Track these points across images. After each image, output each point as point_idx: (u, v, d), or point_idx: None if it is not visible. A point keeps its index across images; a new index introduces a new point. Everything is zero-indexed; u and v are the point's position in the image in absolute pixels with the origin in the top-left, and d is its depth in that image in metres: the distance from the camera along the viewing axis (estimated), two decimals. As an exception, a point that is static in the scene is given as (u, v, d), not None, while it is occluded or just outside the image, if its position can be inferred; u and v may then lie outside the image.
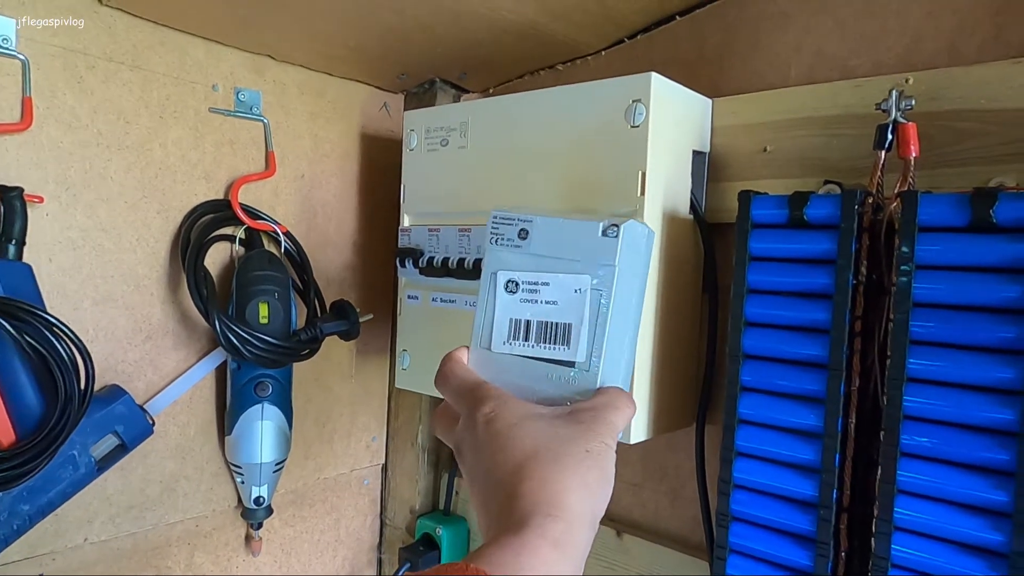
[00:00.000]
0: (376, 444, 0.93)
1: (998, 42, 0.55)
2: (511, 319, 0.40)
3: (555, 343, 0.38)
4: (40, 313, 0.53)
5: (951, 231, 0.46)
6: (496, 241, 0.41)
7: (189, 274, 0.66)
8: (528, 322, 0.39)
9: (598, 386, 0.37)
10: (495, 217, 0.42)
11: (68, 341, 0.54)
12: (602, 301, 0.37)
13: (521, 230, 0.40)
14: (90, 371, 0.55)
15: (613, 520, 0.77)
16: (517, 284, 0.40)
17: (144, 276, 0.68)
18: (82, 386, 0.55)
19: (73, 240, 0.63)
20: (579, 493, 0.32)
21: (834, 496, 0.50)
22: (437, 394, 0.41)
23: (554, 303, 0.38)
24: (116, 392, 0.62)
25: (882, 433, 0.48)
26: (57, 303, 0.61)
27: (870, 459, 0.51)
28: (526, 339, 0.39)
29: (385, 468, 0.95)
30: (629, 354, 0.38)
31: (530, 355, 0.38)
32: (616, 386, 0.37)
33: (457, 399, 0.39)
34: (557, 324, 0.38)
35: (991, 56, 0.53)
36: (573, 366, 0.37)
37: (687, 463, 0.66)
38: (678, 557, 0.70)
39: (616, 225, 0.37)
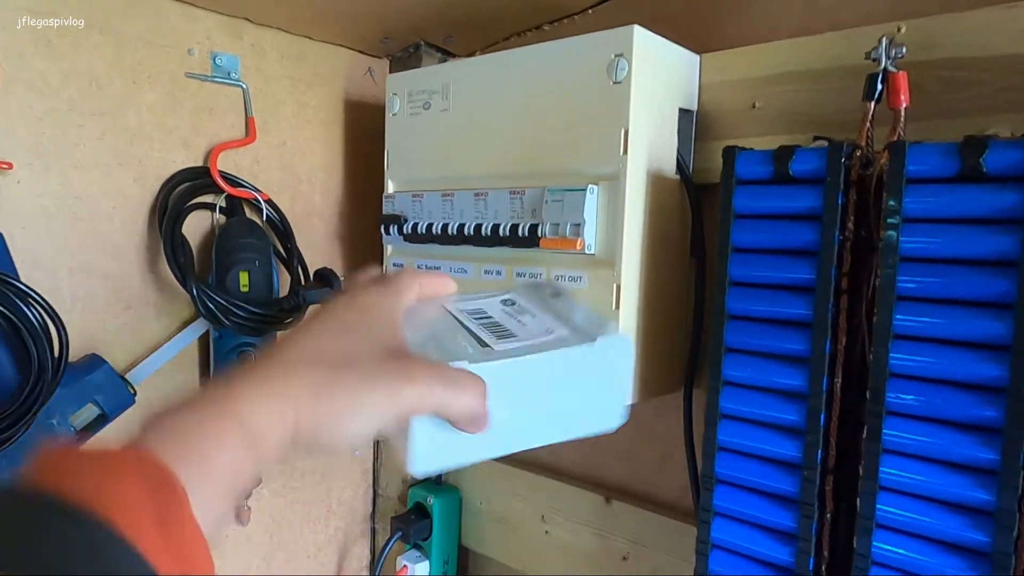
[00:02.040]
0: (367, 415, 0.92)
1: (993, -13, 0.52)
2: (481, 306, 0.39)
3: (491, 332, 0.36)
4: (11, 281, 0.52)
5: (940, 182, 0.44)
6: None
7: (166, 242, 0.65)
8: (490, 316, 0.38)
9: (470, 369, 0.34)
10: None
11: (40, 309, 0.53)
12: (552, 352, 0.35)
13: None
14: (64, 339, 0.54)
15: (602, 486, 0.77)
16: (514, 303, 0.39)
17: (122, 245, 0.67)
18: (55, 355, 0.54)
19: (46, 208, 0.62)
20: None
21: (819, 457, 0.49)
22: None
23: (523, 325, 0.37)
24: (95, 361, 0.62)
25: (868, 392, 0.47)
26: (31, 272, 0.60)
27: (857, 420, 0.49)
28: (475, 318, 0.38)
29: (378, 440, 0.94)
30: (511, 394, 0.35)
31: (465, 322, 0.37)
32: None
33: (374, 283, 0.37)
34: (507, 329, 0.36)
35: (985, 2, 0.51)
36: (482, 346, 0.35)
37: (676, 428, 0.65)
38: (667, 523, 0.70)
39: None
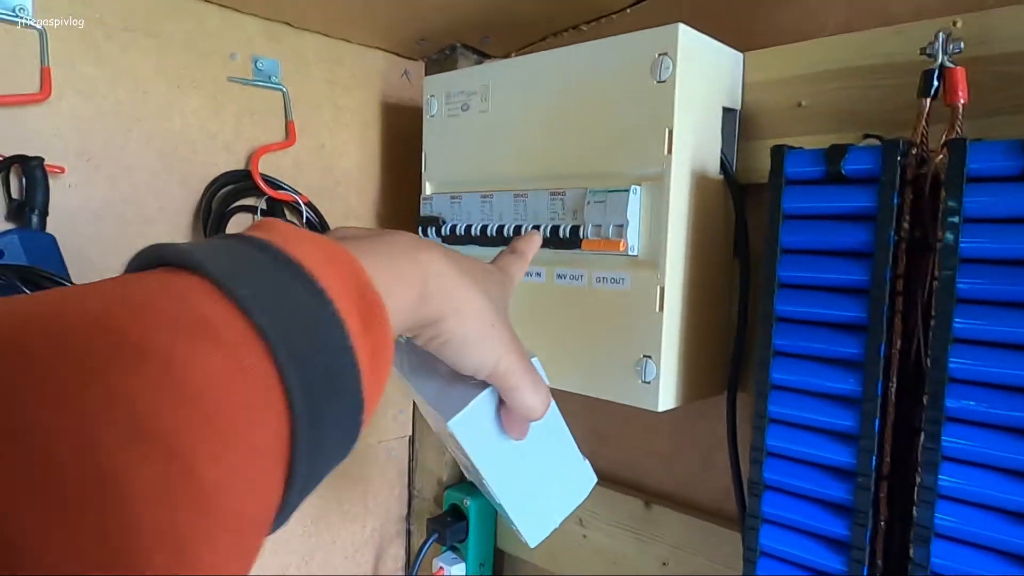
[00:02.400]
0: (403, 417, 0.93)
1: (1055, -22, 0.51)
2: None
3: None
4: (64, 282, 0.53)
5: (1003, 180, 0.43)
6: None
7: (210, 244, 0.66)
8: None
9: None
10: None
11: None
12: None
13: None
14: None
15: (641, 490, 0.76)
16: None
17: (167, 247, 0.68)
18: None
19: (96, 210, 0.63)
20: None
21: (872, 463, 0.47)
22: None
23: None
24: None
25: (926, 397, 0.45)
26: (82, 271, 0.61)
27: (911, 425, 0.48)
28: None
29: (412, 440, 0.95)
30: None
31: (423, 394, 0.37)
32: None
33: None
34: None
35: (1047, -7, 0.50)
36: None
37: (717, 431, 0.64)
38: (709, 528, 0.69)
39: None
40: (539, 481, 0.39)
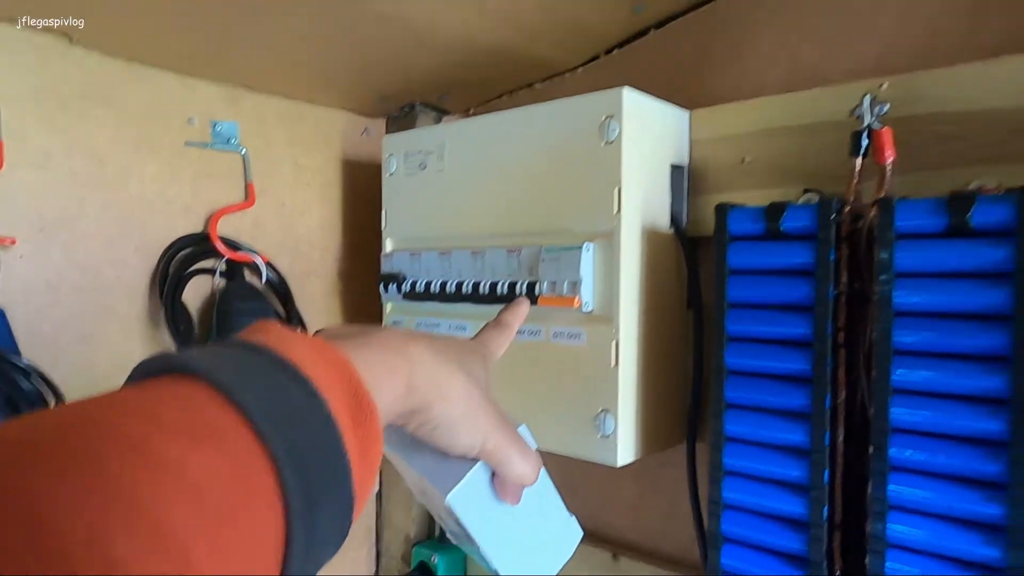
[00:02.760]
0: (370, 472, 0.92)
1: (970, 43, 0.54)
2: None
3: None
4: (10, 360, 0.52)
5: (930, 237, 0.45)
6: None
7: (167, 310, 0.65)
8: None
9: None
10: None
11: (41, 384, 0.53)
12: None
13: None
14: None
15: (608, 542, 0.76)
16: None
17: (124, 314, 0.67)
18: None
19: (49, 281, 0.63)
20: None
21: (825, 514, 0.48)
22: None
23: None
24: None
25: (871, 447, 0.46)
26: (33, 345, 0.61)
27: (861, 474, 0.49)
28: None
29: (379, 496, 0.93)
30: None
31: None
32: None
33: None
34: None
35: (965, 57, 0.53)
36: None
37: (681, 481, 0.64)
38: (676, 579, 0.69)
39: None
40: (531, 542, 0.40)
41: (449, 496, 0.35)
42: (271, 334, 0.26)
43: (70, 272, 0.64)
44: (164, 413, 0.21)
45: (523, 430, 0.38)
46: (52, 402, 0.57)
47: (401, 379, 0.31)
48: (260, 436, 0.21)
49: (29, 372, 0.53)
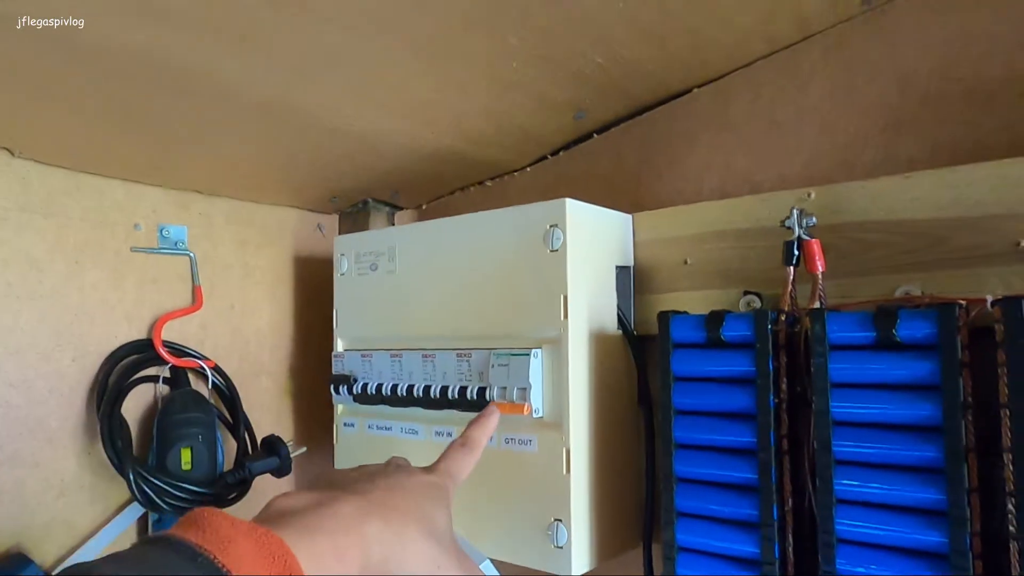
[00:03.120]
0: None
1: (888, 157, 0.58)
2: None
3: None
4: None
5: (860, 349, 0.47)
6: None
7: (103, 424, 0.63)
8: None
9: None
10: None
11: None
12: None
13: None
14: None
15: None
16: None
17: (56, 429, 0.65)
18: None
19: (-24, 399, 0.60)
20: None
21: (779, 629, 0.48)
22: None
23: None
24: (20, 561, 0.58)
25: (819, 558, 0.46)
26: (-43, 469, 0.58)
27: (814, 582, 0.49)
28: None
29: None
30: None
31: None
32: None
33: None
34: None
35: (883, 171, 0.56)
36: None
37: (639, 585, 0.63)
38: None
39: None
40: None
41: None
42: (209, 530, 0.25)
43: (0, 388, 0.61)
44: None
45: (487, 566, 0.38)
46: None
47: (354, 561, 0.30)
48: None
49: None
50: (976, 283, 0.50)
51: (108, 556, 0.23)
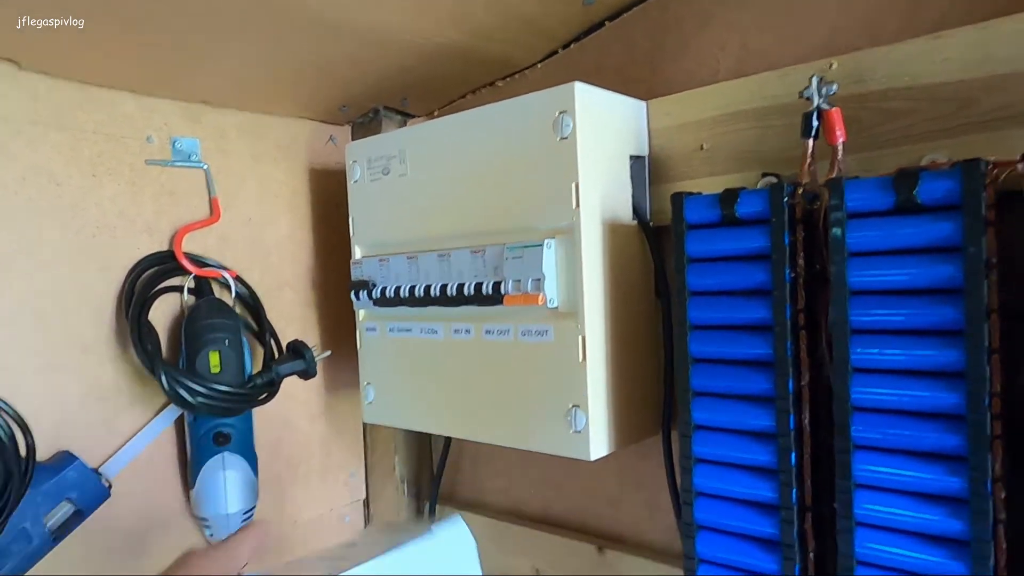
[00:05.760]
0: (355, 480, 0.91)
1: (914, 20, 0.54)
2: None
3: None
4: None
5: (880, 215, 0.45)
6: None
7: (133, 330, 0.65)
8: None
9: None
10: None
11: (4, 416, 0.53)
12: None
13: None
14: (30, 442, 0.54)
15: (594, 535, 0.76)
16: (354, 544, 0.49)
17: (91, 337, 0.67)
18: (24, 457, 0.54)
19: (10, 310, 0.62)
20: None
21: (793, 497, 0.48)
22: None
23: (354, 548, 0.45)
24: (66, 458, 0.61)
25: (834, 428, 0.46)
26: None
27: (832, 455, 0.49)
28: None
29: (367, 502, 0.93)
30: None
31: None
32: None
33: None
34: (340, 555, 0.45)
35: (909, 34, 0.53)
36: None
37: (660, 471, 0.64)
38: (661, 569, 0.69)
39: None
40: None
41: None
42: None
43: (32, 299, 0.63)
44: None
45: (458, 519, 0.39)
46: (22, 438, 0.56)
47: None
48: None
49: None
50: (1007, 147, 0.47)
51: None
